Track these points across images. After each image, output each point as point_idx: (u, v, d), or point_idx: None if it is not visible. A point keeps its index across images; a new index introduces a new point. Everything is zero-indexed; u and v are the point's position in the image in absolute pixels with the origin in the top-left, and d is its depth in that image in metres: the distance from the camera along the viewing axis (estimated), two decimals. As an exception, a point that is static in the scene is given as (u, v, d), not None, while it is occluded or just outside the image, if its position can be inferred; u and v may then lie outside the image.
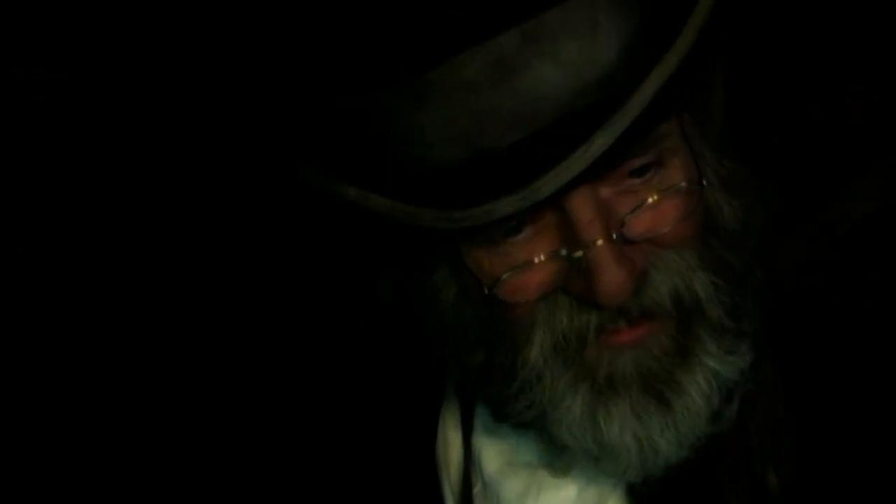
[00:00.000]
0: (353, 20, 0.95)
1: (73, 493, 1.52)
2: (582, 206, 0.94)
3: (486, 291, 0.97)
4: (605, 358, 0.98)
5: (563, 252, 0.96)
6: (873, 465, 1.02)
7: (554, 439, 1.01)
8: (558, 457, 1.07)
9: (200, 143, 1.45)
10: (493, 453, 1.10)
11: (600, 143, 0.90)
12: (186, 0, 1.45)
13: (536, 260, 0.96)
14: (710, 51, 0.96)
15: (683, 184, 0.97)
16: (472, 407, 1.11)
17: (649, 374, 0.98)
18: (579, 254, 0.95)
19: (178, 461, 1.38)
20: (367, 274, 1.09)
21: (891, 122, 1.59)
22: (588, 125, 0.90)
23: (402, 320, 1.08)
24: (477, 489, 1.10)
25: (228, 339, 1.46)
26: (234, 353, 1.44)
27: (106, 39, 1.49)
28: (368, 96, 0.95)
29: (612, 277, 0.94)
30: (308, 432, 1.17)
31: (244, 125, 1.12)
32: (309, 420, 1.17)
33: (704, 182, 0.98)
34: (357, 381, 1.17)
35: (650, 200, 0.96)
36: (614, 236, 0.95)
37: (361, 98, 0.96)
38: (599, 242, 0.94)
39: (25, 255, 1.55)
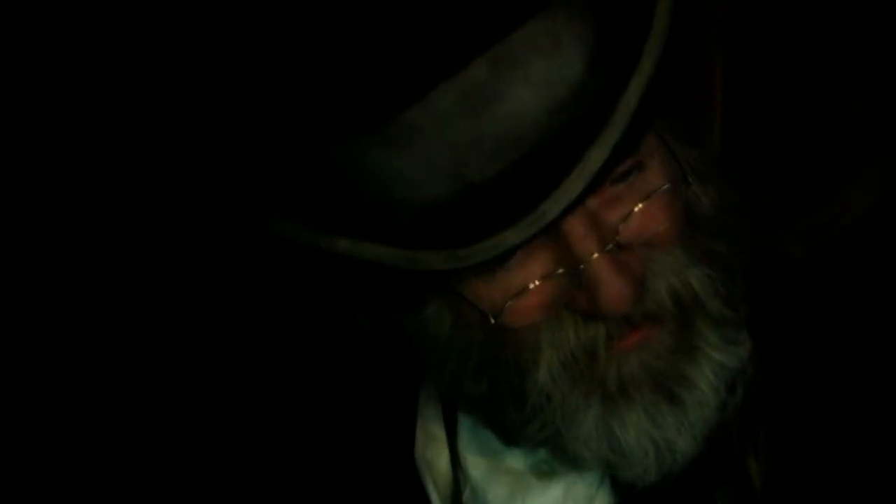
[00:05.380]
0: (321, 68, 0.93)
1: (72, 493, 1.52)
2: (574, 223, 0.94)
3: (493, 321, 0.96)
4: (613, 366, 0.97)
5: (560, 271, 0.95)
6: (849, 453, 1.02)
7: (569, 455, 1.01)
8: (544, 459, 1.07)
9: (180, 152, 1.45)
10: (477, 458, 1.09)
11: (595, 157, 0.90)
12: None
13: (532, 285, 0.96)
14: (683, 46, 0.97)
15: (667, 185, 0.97)
16: (455, 411, 1.10)
17: (657, 373, 0.98)
18: (578, 270, 0.94)
19: (154, 462, 1.38)
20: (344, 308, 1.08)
21: (891, 120, 1.59)
22: (578, 142, 0.90)
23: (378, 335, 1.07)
24: (466, 495, 1.09)
25: (204, 340, 1.46)
26: (208, 354, 1.44)
27: (104, 40, 1.50)
28: (343, 145, 0.94)
29: (614, 287, 0.94)
30: (283, 435, 1.16)
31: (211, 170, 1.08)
32: (283, 422, 1.16)
33: (690, 179, 0.98)
34: (330, 383, 1.16)
35: (637, 208, 0.96)
36: (609, 247, 0.95)
37: (335, 147, 0.94)
38: (596, 256, 0.94)
39: (25, 255, 1.56)
